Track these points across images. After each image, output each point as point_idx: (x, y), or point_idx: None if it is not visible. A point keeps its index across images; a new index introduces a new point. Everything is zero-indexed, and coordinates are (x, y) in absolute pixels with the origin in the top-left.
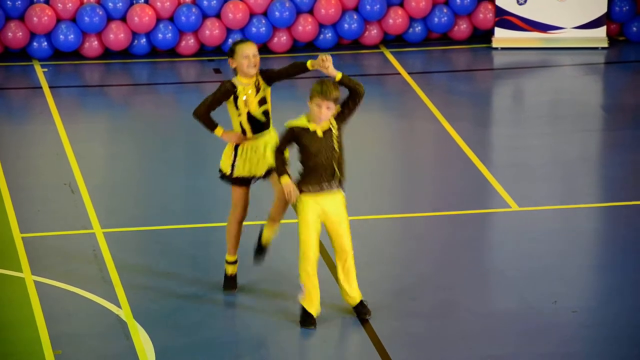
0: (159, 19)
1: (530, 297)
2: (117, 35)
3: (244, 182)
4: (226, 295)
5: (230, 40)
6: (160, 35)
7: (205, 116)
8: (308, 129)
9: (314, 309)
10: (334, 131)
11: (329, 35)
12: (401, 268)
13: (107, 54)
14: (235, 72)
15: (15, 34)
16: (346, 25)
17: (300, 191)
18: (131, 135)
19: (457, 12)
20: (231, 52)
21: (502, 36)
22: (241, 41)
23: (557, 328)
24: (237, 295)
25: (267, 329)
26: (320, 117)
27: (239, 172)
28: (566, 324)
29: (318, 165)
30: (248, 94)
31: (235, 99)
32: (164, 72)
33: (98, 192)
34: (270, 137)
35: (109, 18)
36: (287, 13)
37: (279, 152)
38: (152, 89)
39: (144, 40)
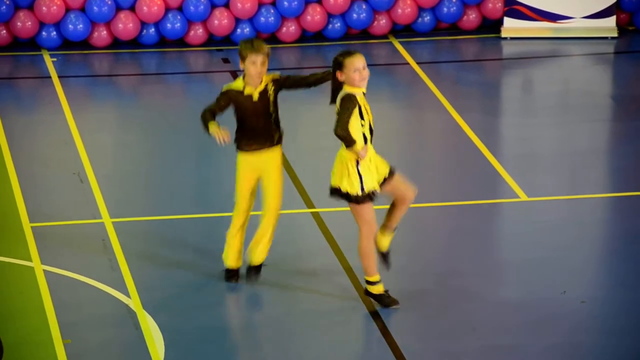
0: (167, 9)
1: (539, 287)
2: (126, 25)
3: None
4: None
5: (238, 31)
6: (169, 25)
7: (347, 131)
8: (242, 91)
9: (231, 262)
10: (270, 93)
11: (337, 25)
12: (409, 258)
13: (116, 43)
14: (339, 84)
15: (24, 23)
16: (355, 15)
17: (239, 149)
18: (140, 125)
19: (466, 2)
20: (339, 65)
21: (511, 26)
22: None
23: (565, 318)
24: (246, 284)
25: (279, 316)
26: (258, 72)
27: (372, 187)
28: (574, 314)
29: (254, 127)
30: (365, 102)
31: (360, 108)
32: (172, 62)
33: (107, 182)
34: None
35: (118, 8)
36: (295, 3)
37: (210, 112)
38: (161, 78)
39: (153, 30)
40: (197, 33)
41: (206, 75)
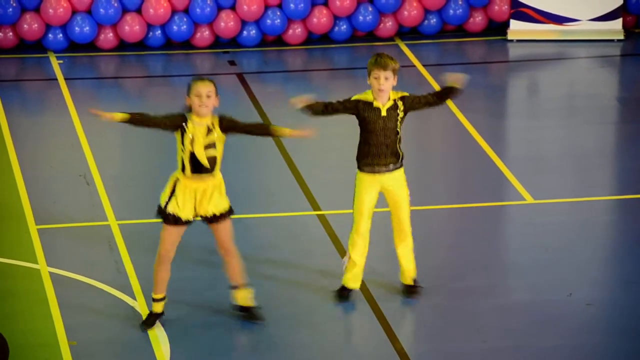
0: (174, 11)
1: (544, 289)
2: (132, 27)
3: (176, 221)
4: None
5: (244, 33)
6: (175, 27)
7: (140, 115)
8: (372, 103)
9: (351, 283)
10: (399, 112)
11: (343, 27)
12: (415, 259)
13: (122, 45)
14: (189, 109)
15: (30, 25)
16: (361, 17)
17: (360, 168)
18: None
19: (473, 4)
20: (188, 89)
21: (517, 28)
22: (198, 79)
23: (570, 320)
24: (255, 285)
25: (284, 315)
26: (380, 88)
27: (174, 209)
28: (580, 315)
29: (378, 144)
30: (196, 133)
31: (183, 134)
32: (178, 64)
33: (113, 184)
34: (215, 184)
35: (124, 10)
36: (302, 5)
37: (325, 104)
38: (167, 80)
39: (159, 32)
40: (204, 35)
41: (212, 78)
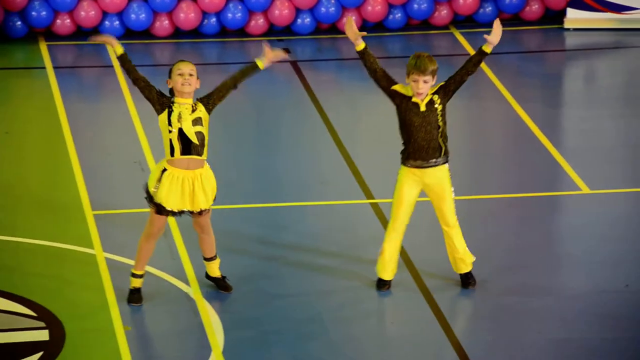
0: None
1: (601, 281)
2: (187, 15)
3: (164, 212)
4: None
5: (299, 21)
6: (230, 15)
7: (131, 64)
8: (410, 97)
9: (384, 274)
10: (437, 105)
11: (398, 15)
12: (471, 249)
13: (177, 33)
14: (172, 93)
15: (87, 12)
16: (416, 6)
17: (402, 162)
18: None
19: None
20: (169, 72)
21: (574, 17)
22: (180, 60)
23: (627, 311)
24: (308, 272)
25: (338, 305)
26: (418, 91)
27: (159, 199)
28: (637, 308)
29: (419, 139)
30: (182, 110)
31: (170, 113)
32: (233, 52)
33: None
34: (204, 176)
35: None
36: None
37: (374, 70)
38: (222, 68)
39: (214, 19)
40: (258, 23)
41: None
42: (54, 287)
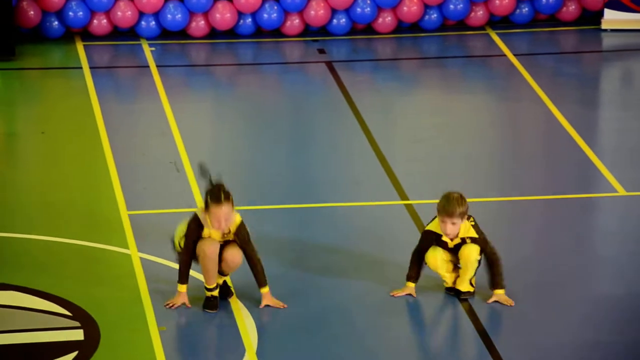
0: None
1: (636, 283)
2: (223, 15)
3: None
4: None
5: (334, 21)
6: (265, 15)
7: (185, 263)
8: (441, 236)
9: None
10: (468, 241)
11: (434, 16)
12: (505, 250)
13: (213, 33)
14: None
15: (124, 13)
16: (452, 6)
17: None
18: (236, 115)
19: None
20: (205, 204)
21: (611, 17)
22: (215, 199)
23: None
24: (343, 274)
25: (373, 304)
26: (446, 232)
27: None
28: None
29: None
30: (212, 233)
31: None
32: (268, 52)
33: None
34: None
35: None
36: None
37: (417, 254)
38: (257, 69)
39: (250, 20)
40: (294, 23)
41: (302, 66)
42: (89, 287)
